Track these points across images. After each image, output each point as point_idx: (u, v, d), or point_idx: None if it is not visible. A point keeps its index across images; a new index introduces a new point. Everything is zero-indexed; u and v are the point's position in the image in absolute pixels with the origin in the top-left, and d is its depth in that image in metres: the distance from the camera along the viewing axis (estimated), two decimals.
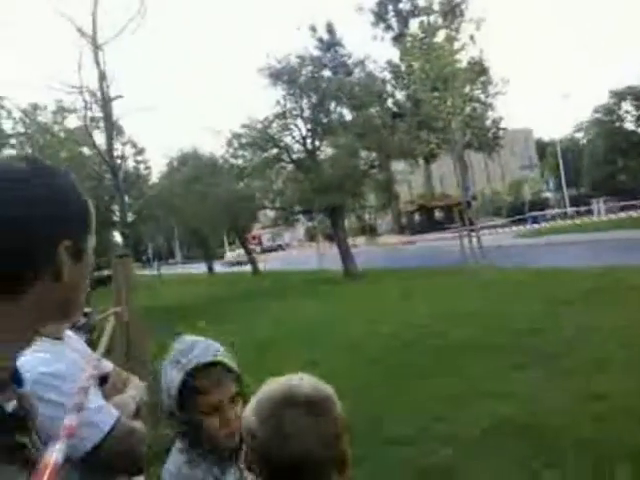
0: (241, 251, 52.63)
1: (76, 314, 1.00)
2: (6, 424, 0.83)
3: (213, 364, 1.54)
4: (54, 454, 0.93)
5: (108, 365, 2.03)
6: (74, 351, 1.76)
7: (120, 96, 20.79)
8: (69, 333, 1.84)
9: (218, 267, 43.05)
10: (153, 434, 4.67)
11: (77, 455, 1.50)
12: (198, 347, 1.56)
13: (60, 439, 1.01)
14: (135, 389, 1.91)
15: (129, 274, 5.43)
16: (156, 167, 54.35)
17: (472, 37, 31.27)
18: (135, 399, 1.82)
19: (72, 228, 0.92)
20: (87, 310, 5.71)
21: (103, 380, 1.87)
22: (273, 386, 1.18)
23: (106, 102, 19.50)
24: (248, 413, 1.18)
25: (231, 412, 1.53)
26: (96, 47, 18.70)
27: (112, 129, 21.01)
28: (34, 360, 1.47)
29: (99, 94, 19.62)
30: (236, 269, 41.15)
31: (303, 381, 1.18)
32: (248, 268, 33.70)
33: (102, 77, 19.06)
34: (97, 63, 18.91)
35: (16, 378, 0.93)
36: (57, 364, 1.57)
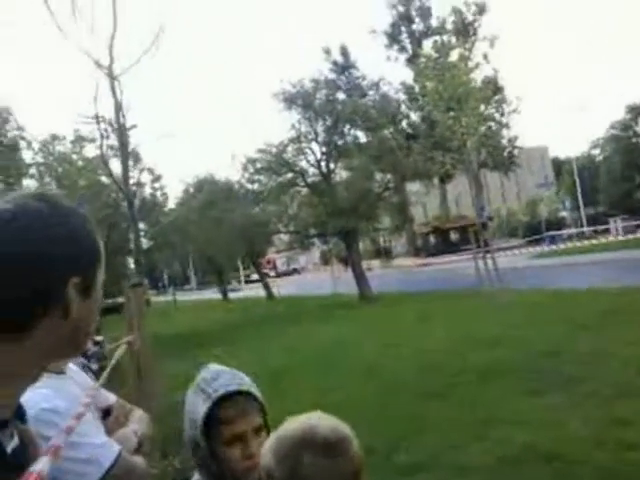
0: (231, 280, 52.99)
1: (82, 349, 1.00)
2: (6, 464, 0.82)
3: (239, 393, 1.50)
4: (38, 465, 0.90)
5: (111, 397, 2.00)
6: (76, 385, 1.74)
7: (134, 126, 21.13)
8: (72, 366, 1.82)
9: (211, 294, 43.34)
10: (162, 466, 4.64)
11: None
12: (223, 376, 1.53)
13: (45, 454, 0.98)
14: (138, 422, 1.87)
15: (141, 303, 5.45)
16: (172, 192, 54.80)
17: (486, 56, 31.25)
18: (137, 433, 1.78)
19: (82, 265, 0.93)
20: (98, 339, 5.73)
21: (106, 413, 1.85)
22: (292, 426, 1.19)
23: (122, 132, 19.79)
24: (266, 452, 1.19)
25: (254, 443, 1.46)
26: (112, 78, 19.02)
27: (127, 158, 21.30)
28: (36, 396, 1.45)
29: (115, 124, 19.94)
30: (242, 294, 41.05)
31: (321, 421, 1.19)
32: (242, 294, 33.58)
33: (118, 107, 19.37)
34: (113, 93, 19.24)
35: (19, 414, 0.93)
36: (56, 400, 1.55)
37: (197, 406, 1.48)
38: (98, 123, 20.29)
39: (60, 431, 1.35)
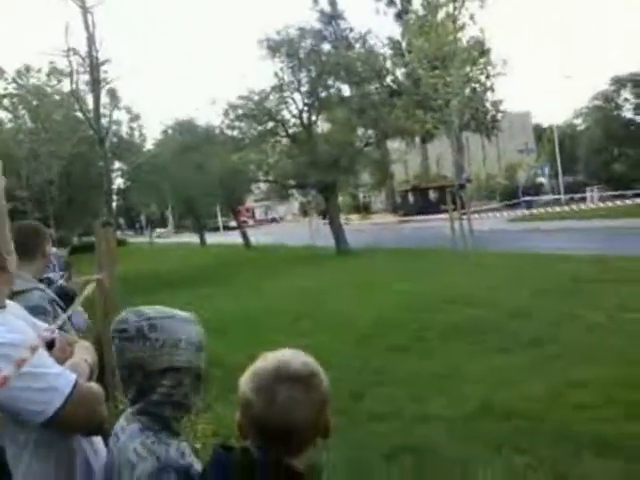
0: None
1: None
2: None
3: None
4: None
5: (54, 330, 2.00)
6: (18, 318, 1.73)
7: (108, 60, 20.48)
8: (8, 302, 1.80)
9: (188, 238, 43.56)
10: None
11: (40, 420, 1.50)
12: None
13: None
14: (86, 352, 1.89)
15: (111, 242, 5.40)
16: (152, 134, 53.77)
17: (472, 17, 30.86)
18: (88, 362, 1.80)
19: None
20: (61, 274, 5.68)
21: (50, 346, 1.85)
22: (267, 360, 1.30)
23: (94, 66, 19.14)
24: (243, 384, 1.29)
25: None
26: (85, 10, 18.28)
27: (99, 93, 20.65)
28: None
29: (87, 58, 19.28)
30: (220, 240, 40.93)
31: (294, 356, 1.31)
32: (221, 240, 33.51)
33: (91, 41, 18.68)
34: (86, 26, 18.51)
35: None
36: (10, 334, 1.54)
37: (187, 329, 1.60)
38: (69, 56, 19.58)
39: (11, 362, 1.36)
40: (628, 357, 5.76)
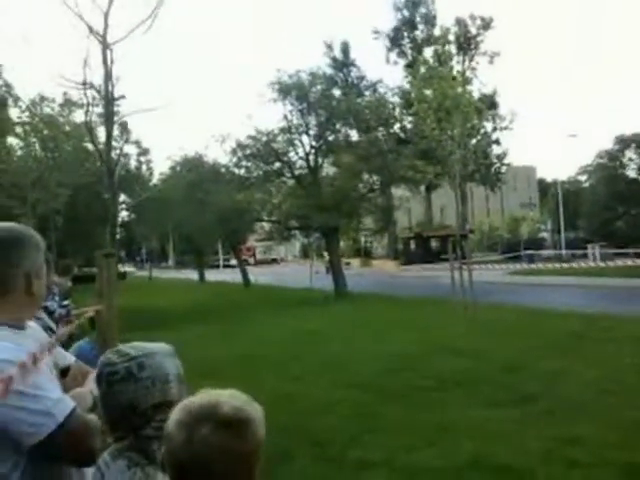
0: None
1: None
2: None
3: None
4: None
5: (70, 358, 2.05)
6: (36, 341, 1.75)
7: (123, 96, 20.84)
8: (31, 324, 1.83)
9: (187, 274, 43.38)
10: None
11: (31, 442, 1.50)
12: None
13: None
14: (94, 384, 1.91)
15: (113, 273, 5.42)
16: (159, 168, 54.41)
17: (474, 69, 31.35)
18: (94, 393, 1.81)
19: None
20: (66, 302, 5.71)
21: (64, 373, 1.87)
22: (199, 397, 1.22)
23: (109, 101, 19.47)
24: (172, 416, 1.22)
25: None
26: (105, 46, 18.67)
27: (112, 128, 20.95)
28: None
29: (103, 92, 19.62)
30: (219, 278, 40.88)
31: (228, 399, 1.21)
32: (220, 278, 33.33)
33: (108, 76, 19.03)
34: (104, 62, 18.87)
35: None
36: (17, 352, 1.56)
37: (170, 363, 1.60)
38: (85, 90, 19.95)
39: (14, 365, 1.37)
40: (622, 416, 5.73)
